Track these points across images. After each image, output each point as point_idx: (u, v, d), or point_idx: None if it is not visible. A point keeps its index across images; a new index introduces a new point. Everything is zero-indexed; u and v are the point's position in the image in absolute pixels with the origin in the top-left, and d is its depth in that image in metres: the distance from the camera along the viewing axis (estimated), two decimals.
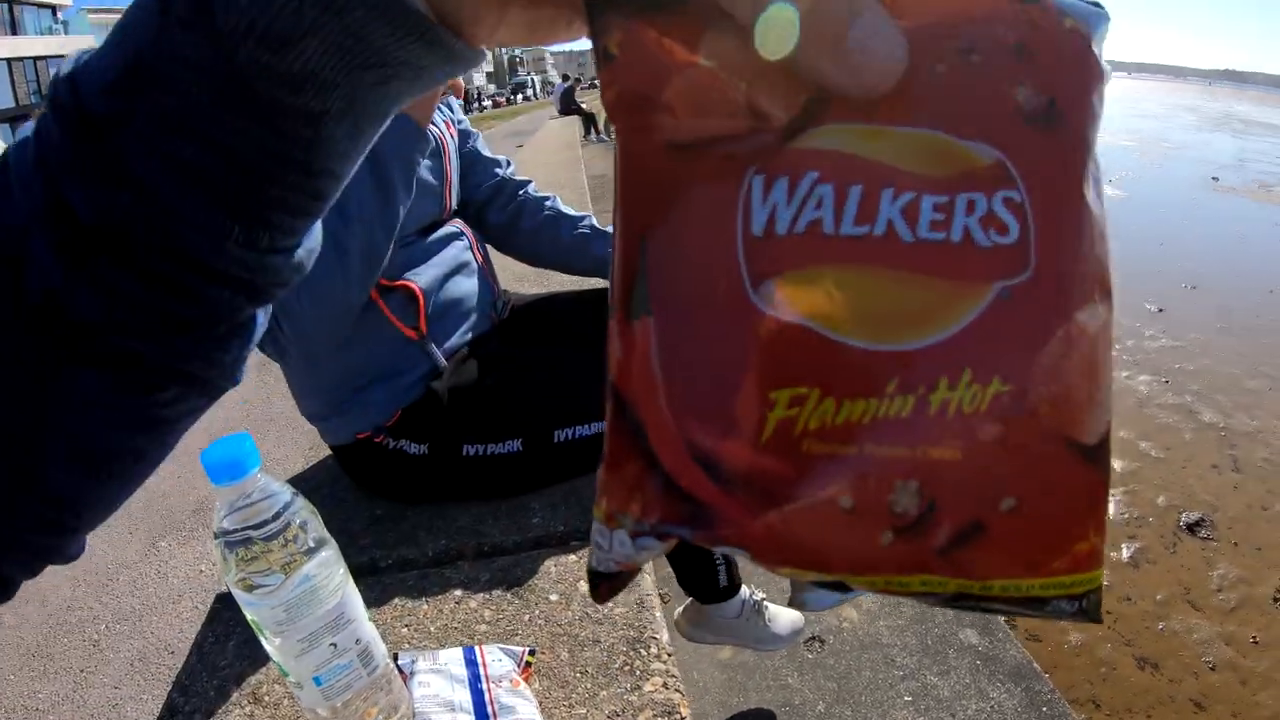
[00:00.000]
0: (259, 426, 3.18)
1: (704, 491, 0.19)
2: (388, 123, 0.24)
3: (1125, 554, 2.86)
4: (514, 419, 1.15)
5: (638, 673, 0.82)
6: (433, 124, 1.15)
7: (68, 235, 0.22)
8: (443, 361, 1.17)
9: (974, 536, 0.19)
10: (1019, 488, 0.19)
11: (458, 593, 0.97)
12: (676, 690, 0.79)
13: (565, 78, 18.12)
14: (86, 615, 2.19)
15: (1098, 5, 0.21)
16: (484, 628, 0.91)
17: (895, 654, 1.94)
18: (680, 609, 1.56)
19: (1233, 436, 3.83)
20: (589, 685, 0.81)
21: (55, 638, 2.13)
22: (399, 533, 1.14)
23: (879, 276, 0.18)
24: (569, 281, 1.54)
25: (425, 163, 1.12)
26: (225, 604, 1.01)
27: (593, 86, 47.04)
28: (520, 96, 56.89)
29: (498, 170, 1.37)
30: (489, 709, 0.74)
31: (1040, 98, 0.19)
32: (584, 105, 13.98)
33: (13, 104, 33.40)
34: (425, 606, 0.96)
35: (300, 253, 0.25)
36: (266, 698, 0.85)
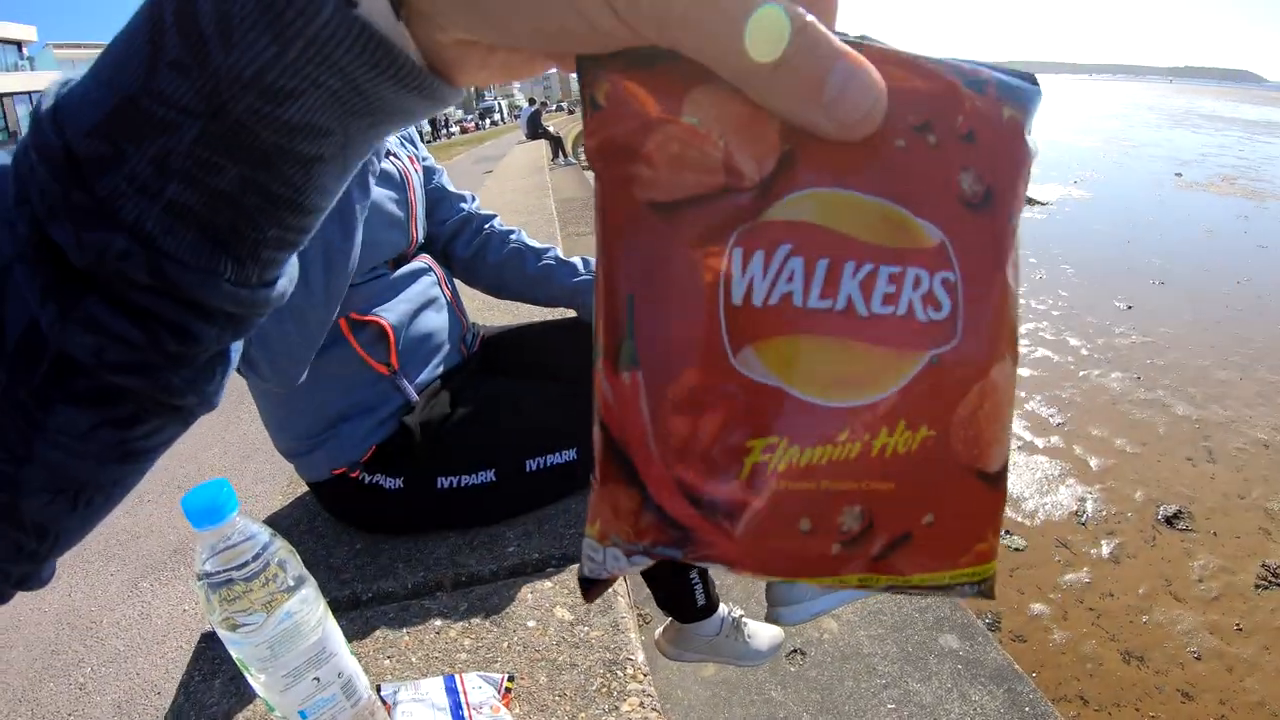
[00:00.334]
0: (236, 466, 3.17)
1: (691, 519, 0.22)
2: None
3: (1105, 550, 2.87)
4: (486, 450, 1.17)
5: (615, 694, 0.84)
6: (396, 158, 1.18)
7: (56, 276, 0.22)
8: (414, 396, 1.18)
9: (902, 544, 0.23)
10: (937, 507, 0.23)
11: (437, 623, 0.99)
12: (654, 709, 0.82)
13: (531, 101, 18.22)
14: (71, 659, 2.16)
15: (1032, 80, 0.24)
16: (464, 656, 0.93)
17: (876, 662, 1.95)
18: (660, 629, 1.57)
19: (1206, 428, 3.89)
20: (568, 708, 0.83)
21: (41, 683, 2.10)
22: (378, 566, 1.15)
23: (838, 345, 0.22)
24: (537, 312, 1.56)
25: (390, 194, 1.14)
26: (210, 643, 1.02)
27: (559, 109, 46.92)
28: (489, 121, 56.77)
29: (463, 205, 1.40)
30: None
31: (980, 185, 0.23)
32: (551, 128, 14.06)
33: None
34: (406, 637, 0.97)
35: (282, 282, 0.26)
36: None
